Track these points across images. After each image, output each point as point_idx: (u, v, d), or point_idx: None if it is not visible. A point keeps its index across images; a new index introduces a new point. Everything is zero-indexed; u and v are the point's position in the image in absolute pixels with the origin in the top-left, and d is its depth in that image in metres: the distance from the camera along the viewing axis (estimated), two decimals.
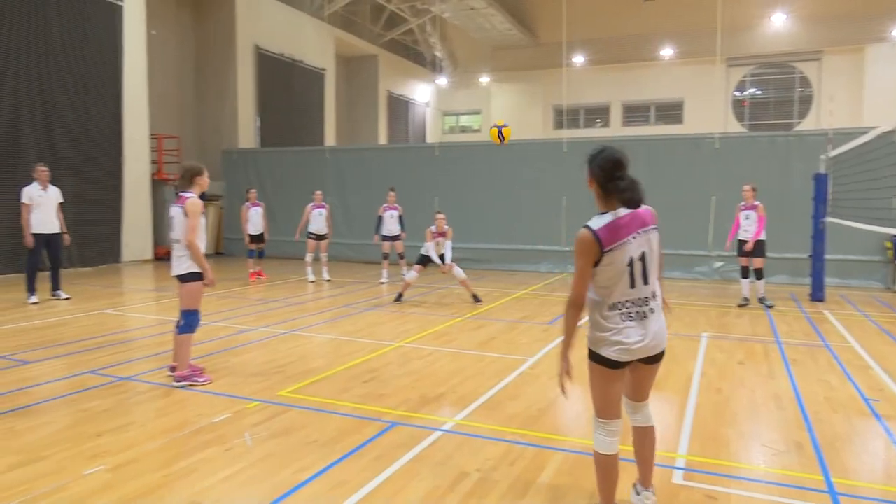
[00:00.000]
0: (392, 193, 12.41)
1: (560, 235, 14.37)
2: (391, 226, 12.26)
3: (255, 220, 12.48)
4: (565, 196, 14.20)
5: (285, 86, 20.29)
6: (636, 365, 2.99)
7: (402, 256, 12.58)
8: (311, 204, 12.45)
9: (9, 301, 9.64)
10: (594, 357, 2.95)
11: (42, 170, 9.53)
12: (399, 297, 10.09)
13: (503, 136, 9.41)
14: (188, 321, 5.42)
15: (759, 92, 26.64)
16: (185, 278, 5.36)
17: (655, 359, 3.00)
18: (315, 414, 4.69)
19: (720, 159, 13.18)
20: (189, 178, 5.40)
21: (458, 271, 9.96)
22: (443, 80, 30.80)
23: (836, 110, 23.81)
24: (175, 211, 5.34)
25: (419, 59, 29.86)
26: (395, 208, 12.30)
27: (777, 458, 3.97)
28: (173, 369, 5.52)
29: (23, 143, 12.62)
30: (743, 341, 7.37)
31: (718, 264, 13.19)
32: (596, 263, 2.84)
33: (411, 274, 10.02)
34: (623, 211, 2.86)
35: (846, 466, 3.84)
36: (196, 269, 5.34)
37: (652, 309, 2.93)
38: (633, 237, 2.84)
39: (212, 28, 18.92)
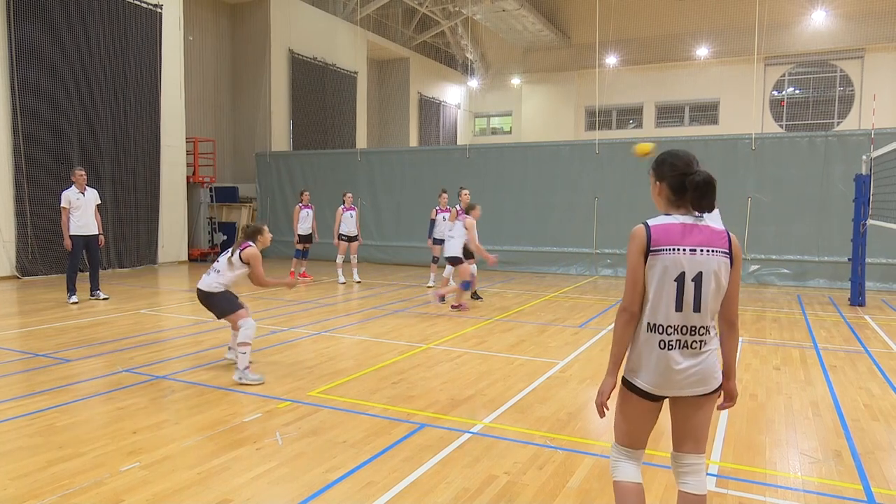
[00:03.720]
0: (444, 196, 12.02)
1: (591, 238, 14.25)
2: (442, 229, 11.65)
3: (305, 221, 12.76)
4: (597, 198, 14.08)
5: (318, 89, 20.53)
6: (677, 400, 2.57)
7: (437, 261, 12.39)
8: (343, 206, 12.59)
9: (50, 301, 9.93)
10: (626, 383, 2.60)
11: (80, 173, 9.80)
12: (442, 299, 9.34)
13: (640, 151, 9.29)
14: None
15: (797, 91, 26.03)
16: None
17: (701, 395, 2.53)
18: (344, 414, 4.72)
19: (757, 160, 12.92)
20: (252, 234, 5.88)
21: (450, 269, 10.00)
22: (474, 83, 30.79)
23: (878, 109, 23.13)
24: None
25: (450, 62, 29.90)
26: (446, 211, 11.81)
27: (814, 467, 3.87)
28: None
29: (66, 149, 12.98)
30: (779, 346, 7.20)
31: (753, 267, 12.92)
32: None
33: (448, 269, 10.19)
34: (689, 219, 2.51)
35: (887, 476, 3.73)
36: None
37: (703, 342, 2.48)
38: (692, 250, 2.45)
39: (247, 33, 19.26)
